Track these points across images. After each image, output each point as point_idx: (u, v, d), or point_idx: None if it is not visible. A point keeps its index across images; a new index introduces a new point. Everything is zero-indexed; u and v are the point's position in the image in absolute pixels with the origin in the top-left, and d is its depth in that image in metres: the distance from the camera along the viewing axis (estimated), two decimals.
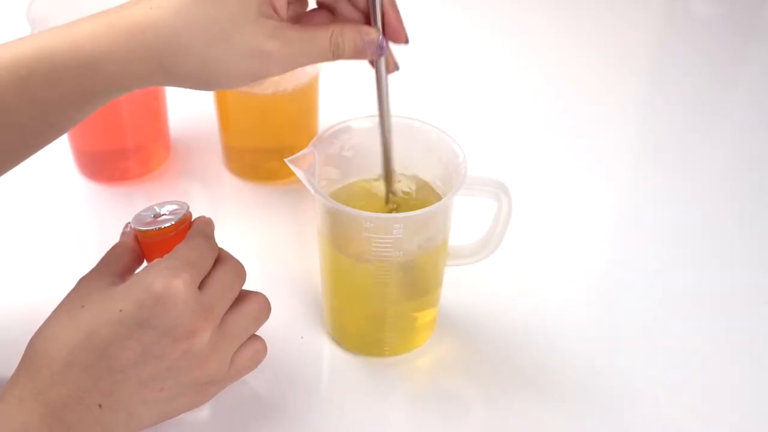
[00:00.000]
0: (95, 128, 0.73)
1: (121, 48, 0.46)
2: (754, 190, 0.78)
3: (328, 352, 0.61)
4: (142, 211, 0.52)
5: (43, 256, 0.68)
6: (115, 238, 0.70)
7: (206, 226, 0.52)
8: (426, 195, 0.59)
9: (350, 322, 0.60)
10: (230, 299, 0.49)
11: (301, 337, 0.61)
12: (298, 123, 0.75)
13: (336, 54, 0.50)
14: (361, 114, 0.58)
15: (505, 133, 0.83)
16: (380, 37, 0.52)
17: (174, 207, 0.52)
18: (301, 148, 0.55)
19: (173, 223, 0.51)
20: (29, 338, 0.47)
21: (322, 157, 0.56)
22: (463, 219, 0.61)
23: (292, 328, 0.62)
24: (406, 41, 0.53)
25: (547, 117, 0.86)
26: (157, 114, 0.75)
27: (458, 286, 0.64)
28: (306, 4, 0.53)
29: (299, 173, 0.53)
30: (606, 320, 0.64)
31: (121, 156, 0.74)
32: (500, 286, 0.66)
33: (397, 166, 0.58)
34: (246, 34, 0.47)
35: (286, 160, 0.54)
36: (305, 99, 0.73)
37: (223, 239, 0.54)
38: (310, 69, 0.71)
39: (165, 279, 0.46)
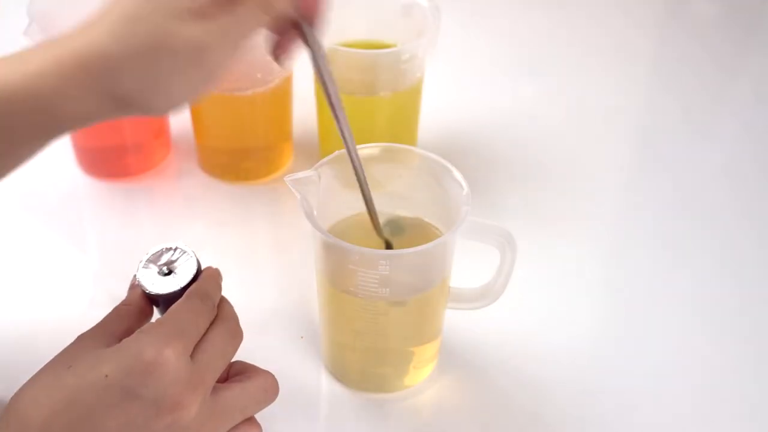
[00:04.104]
0: (96, 125, 0.71)
1: (70, 84, 0.44)
2: (756, 188, 0.77)
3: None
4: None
5: (44, 252, 0.68)
6: (115, 235, 0.70)
7: (208, 283, 0.49)
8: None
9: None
10: (223, 365, 0.46)
11: (301, 337, 0.61)
12: (273, 122, 0.73)
13: (266, 9, 0.46)
14: None
15: (506, 131, 0.82)
16: None
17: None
18: (277, 148, 0.51)
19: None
20: (29, 334, 0.44)
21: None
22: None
23: (285, 332, 0.61)
24: None
25: (549, 115, 0.85)
26: None
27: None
28: None
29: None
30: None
31: (121, 152, 0.74)
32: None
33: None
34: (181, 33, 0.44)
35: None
36: (279, 99, 0.72)
37: (220, 241, 0.50)
38: (282, 69, 0.70)
39: (156, 347, 0.43)
